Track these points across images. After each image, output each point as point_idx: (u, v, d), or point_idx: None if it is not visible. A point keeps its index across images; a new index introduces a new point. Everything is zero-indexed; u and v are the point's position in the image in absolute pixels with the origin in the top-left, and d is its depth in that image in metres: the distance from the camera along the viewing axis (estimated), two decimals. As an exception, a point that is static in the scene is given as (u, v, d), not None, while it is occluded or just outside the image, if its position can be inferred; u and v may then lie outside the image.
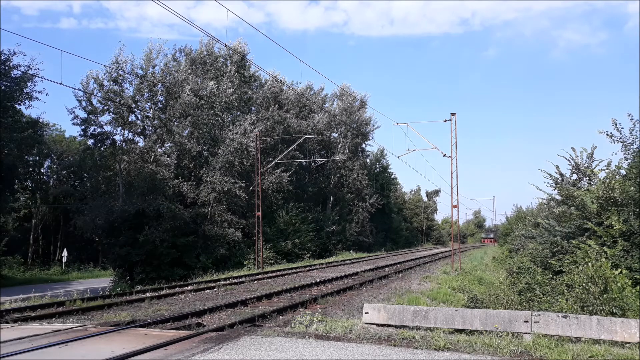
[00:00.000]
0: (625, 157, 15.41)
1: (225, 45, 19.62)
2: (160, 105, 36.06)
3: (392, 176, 72.17)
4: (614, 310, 9.85)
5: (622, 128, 15.01)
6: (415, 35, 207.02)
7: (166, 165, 34.37)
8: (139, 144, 35.72)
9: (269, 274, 24.11)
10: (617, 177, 15.18)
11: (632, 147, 14.94)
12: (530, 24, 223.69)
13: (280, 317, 11.59)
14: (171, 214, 31.11)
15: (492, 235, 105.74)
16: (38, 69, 32.03)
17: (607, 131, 15.20)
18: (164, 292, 16.62)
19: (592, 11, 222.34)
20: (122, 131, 35.10)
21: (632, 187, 13.67)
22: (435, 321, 8.82)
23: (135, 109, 34.67)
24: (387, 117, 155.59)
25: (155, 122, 35.83)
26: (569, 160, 21.38)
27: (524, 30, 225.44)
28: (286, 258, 37.85)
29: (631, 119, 14.79)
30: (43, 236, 48.93)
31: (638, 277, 12.02)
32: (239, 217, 36.49)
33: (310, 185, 51.06)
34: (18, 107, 33.27)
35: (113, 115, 34.34)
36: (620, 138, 15.09)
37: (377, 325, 9.23)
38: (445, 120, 31.49)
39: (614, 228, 13.28)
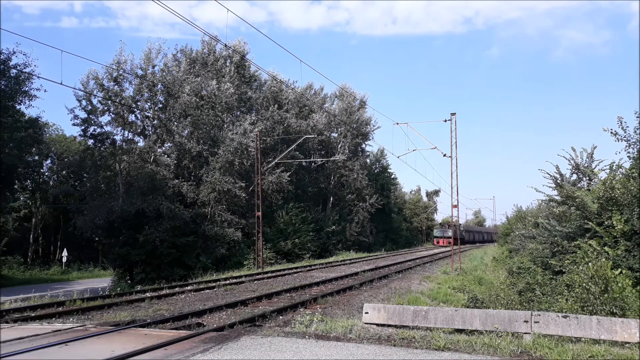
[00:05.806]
0: (628, 155, 15.33)
1: (225, 45, 19.61)
2: (160, 105, 36.06)
3: (392, 176, 72.17)
4: (614, 310, 9.86)
5: (627, 127, 14.93)
6: (418, 35, 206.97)
7: (166, 165, 34.36)
8: (139, 144, 35.71)
9: (269, 274, 24.09)
10: (618, 176, 15.13)
11: (637, 145, 14.84)
12: (533, 23, 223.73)
13: (280, 317, 11.58)
14: (171, 214, 31.12)
15: (450, 234, 69.64)
16: (35, 65, 32.12)
17: (611, 129, 15.13)
18: (164, 292, 16.61)
19: (595, 10, 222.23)
20: (122, 131, 35.11)
21: (633, 187, 13.62)
22: (435, 321, 8.82)
23: (135, 109, 34.67)
24: (387, 117, 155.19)
25: (155, 122, 35.84)
26: (569, 160, 21.36)
27: (527, 29, 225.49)
28: (286, 258, 37.85)
29: (637, 117, 14.70)
30: (43, 236, 48.95)
31: (639, 276, 12.02)
32: (239, 217, 36.50)
33: (310, 185, 51.03)
34: (18, 107, 33.30)
35: (113, 116, 34.33)
36: (625, 137, 15.00)
37: (377, 325, 9.22)
38: (445, 120, 31.46)
39: (616, 228, 13.25)
